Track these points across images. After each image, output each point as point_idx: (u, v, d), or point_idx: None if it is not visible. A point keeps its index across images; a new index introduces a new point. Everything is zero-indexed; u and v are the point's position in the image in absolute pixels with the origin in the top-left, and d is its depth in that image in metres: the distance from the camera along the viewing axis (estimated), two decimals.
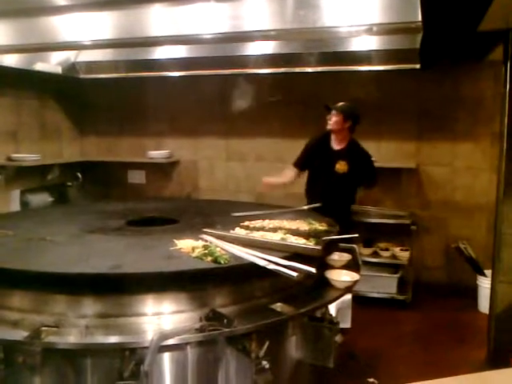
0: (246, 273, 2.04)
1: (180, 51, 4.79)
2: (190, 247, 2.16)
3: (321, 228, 2.74)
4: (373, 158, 4.20)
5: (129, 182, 6.12)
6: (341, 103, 4.00)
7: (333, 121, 3.96)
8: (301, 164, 4.14)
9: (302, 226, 2.75)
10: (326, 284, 2.29)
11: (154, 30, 3.11)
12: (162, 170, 5.91)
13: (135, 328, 1.81)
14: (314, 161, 4.10)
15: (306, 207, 3.37)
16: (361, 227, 4.66)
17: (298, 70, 4.88)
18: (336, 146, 4.04)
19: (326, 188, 3.95)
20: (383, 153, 5.20)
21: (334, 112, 3.96)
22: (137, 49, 4.75)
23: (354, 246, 2.66)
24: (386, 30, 2.90)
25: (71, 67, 5.18)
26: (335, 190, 3.93)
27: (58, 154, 5.81)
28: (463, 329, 4.30)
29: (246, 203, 4.26)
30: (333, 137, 4.05)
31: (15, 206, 5.02)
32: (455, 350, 3.87)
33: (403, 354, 3.82)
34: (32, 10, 3.10)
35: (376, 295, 4.84)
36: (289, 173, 4.17)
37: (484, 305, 4.34)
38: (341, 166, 3.94)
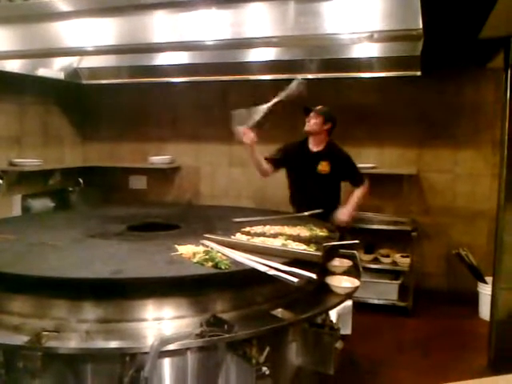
0: (247, 278, 2.04)
1: (182, 57, 4.81)
2: (190, 253, 2.16)
3: (321, 234, 2.75)
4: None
5: (130, 188, 6.13)
6: (319, 106, 3.99)
7: (312, 122, 3.94)
8: (275, 160, 4.05)
9: (303, 231, 2.76)
10: (327, 290, 2.29)
11: (156, 36, 3.12)
12: (164, 176, 5.92)
13: (136, 333, 1.81)
14: (289, 163, 4.05)
15: (307, 213, 3.38)
16: (362, 233, 4.66)
17: (299, 76, 4.88)
18: (314, 148, 4.01)
19: (312, 190, 3.92)
20: (385, 159, 5.21)
21: (313, 114, 3.95)
22: (139, 55, 4.77)
23: (355, 252, 2.66)
24: (387, 37, 2.90)
25: (74, 73, 5.21)
26: (321, 191, 3.90)
27: (59, 159, 5.82)
28: (464, 335, 4.29)
29: (247, 209, 4.27)
30: (310, 140, 4.02)
31: (17, 211, 5.03)
32: (456, 356, 3.86)
33: (404, 361, 3.81)
34: (34, 15, 3.11)
35: (377, 302, 4.83)
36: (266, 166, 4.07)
37: (485, 311, 4.33)
38: (323, 167, 3.92)
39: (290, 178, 4.13)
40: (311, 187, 3.96)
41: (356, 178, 3.99)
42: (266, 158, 4.04)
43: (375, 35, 2.78)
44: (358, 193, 3.94)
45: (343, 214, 3.82)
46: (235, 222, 2.97)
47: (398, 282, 4.87)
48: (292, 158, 4.05)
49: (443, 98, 5.00)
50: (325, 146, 4.00)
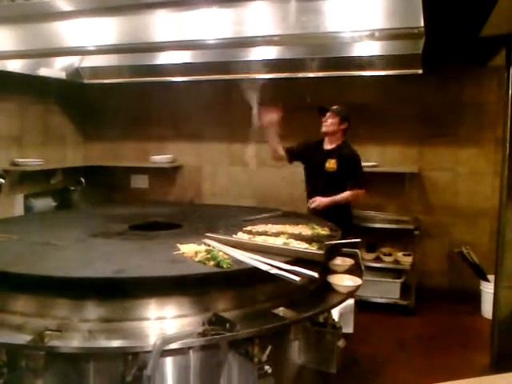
0: (249, 277, 2.05)
1: (183, 56, 4.80)
2: (192, 252, 2.17)
3: (323, 233, 2.75)
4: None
5: (132, 187, 6.14)
6: (335, 106, 4.01)
7: (329, 122, 3.96)
8: (291, 151, 4.15)
9: (305, 230, 2.75)
10: (329, 289, 2.29)
11: (158, 35, 3.12)
12: (165, 175, 5.93)
13: (138, 332, 1.81)
14: (304, 158, 4.14)
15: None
16: (364, 232, 4.66)
17: (300, 75, 4.89)
18: (328, 146, 4.05)
19: (320, 188, 3.95)
20: (387, 158, 5.21)
21: (329, 114, 3.97)
22: (140, 54, 4.76)
23: (357, 250, 2.67)
24: (389, 35, 2.90)
25: (75, 72, 5.20)
26: (329, 189, 3.89)
27: (61, 158, 5.83)
28: (466, 334, 4.29)
29: (248, 208, 4.27)
30: (326, 139, 4.07)
31: (19, 211, 5.04)
32: (458, 355, 3.86)
33: (406, 359, 3.81)
34: (36, 15, 3.11)
35: (379, 300, 4.83)
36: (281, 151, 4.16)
37: (487, 310, 4.32)
38: (330, 165, 3.93)
39: (305, 176, 4.20)
40: (320, 185, 3.99)
41: (354, 180, 3.92)
42: (285, 149, 4.12)
43: (377, 33, 2.78)
44: (347, 193, 3.88)
45: (316, 201, 3.82)
46: (244, 220, 2.97)
47: (400, 280, 4.87)
48: (307, 155, 4.13)
49: (445, 97, 4.99)
50: (337, 144, 4.02)
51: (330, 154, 3.98)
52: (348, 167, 3.92)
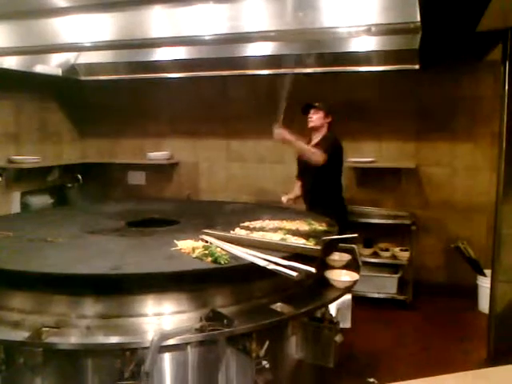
0: (246, 273, 2.04)
1: (180, 52, 4.81)
2: (190, 248, 2.16)
3: (320, 228, 2.75)
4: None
5: (129, 184, 6.13)
6: (317, 102, 4.12)
7: (315, 117, 4.09)
8: (299, 174, 4.31)
9: (302, 226, 2.76)
10: (326, 284, 2.29)
11: (154, 31, 3.12)
12: (162, 171, 5.92)
13: (136, 328, 1.81)
14: (298, 160, 4.25)
15: None
16: (361, 227, 4.67)
17: (297, 70, 4.87)
18: (314, 140, 4.15)
19: (310, 182, 4.08)
20: (383, 153, 5.21)
21: (314, 110, 4.09)
22: (136, 50, 4.76)
23: (354, 246, 2.66)
24: (385, 30, 2.91)
25: (71, 69, 5.20)
26: (317, 182, 4.02)
27: (58, 155, 5.82)
28: (463, 328, 4.31)
29: (246, 204, 4.27)
30: (313, 135, 4.17)
31: (16, 208, 5.03)
32: (455, 349, 3.88)
33: (403, 354, 3.82)
34: (32, 12, 3.11)
35: (376, 295, 4.84)
36: (297, 185, 4.31)
37: (484, 304, 4.34)
38: None
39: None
40: (309, 179, 4.09)
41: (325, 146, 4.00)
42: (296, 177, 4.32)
43: (373, 28, 2.79)
44: (310, 147, 3.96)
45: (282, 133, 3.84)
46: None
47: (398, 275, 4.88)
48: (301, 160, 4.19)
49: (441, 92, 4.99)
50: (323, 136, 4.11)
51: (317, 146, 4.05)
52: (332, 155, 3.97)
